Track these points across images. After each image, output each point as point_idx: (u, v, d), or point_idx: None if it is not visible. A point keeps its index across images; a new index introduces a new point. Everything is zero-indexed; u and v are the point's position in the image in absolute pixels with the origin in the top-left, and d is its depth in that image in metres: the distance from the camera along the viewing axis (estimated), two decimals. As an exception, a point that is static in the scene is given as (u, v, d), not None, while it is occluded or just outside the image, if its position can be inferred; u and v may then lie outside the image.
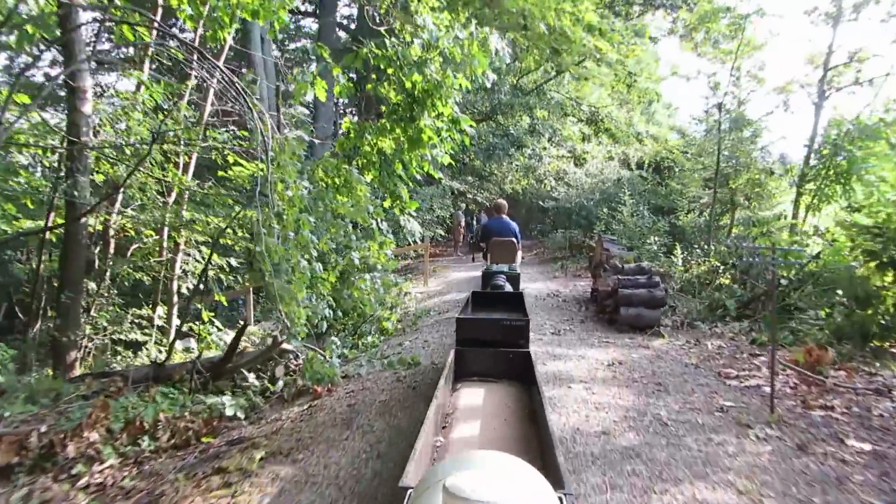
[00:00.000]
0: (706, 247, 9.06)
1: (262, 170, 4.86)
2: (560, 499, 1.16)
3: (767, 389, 3.83)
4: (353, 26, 18.26)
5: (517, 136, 14.37)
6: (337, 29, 17.21)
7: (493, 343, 3.45)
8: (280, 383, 4.32)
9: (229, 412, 3.39)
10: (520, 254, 6.77)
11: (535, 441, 2.42)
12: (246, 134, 6.38)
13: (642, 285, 5.91)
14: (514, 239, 6.65)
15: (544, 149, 15.31)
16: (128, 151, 5.88)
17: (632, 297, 5.80)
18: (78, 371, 5.45)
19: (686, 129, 16.51)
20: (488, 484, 0.90)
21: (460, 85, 6.28)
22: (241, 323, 7.80)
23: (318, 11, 17.35)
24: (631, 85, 17.26)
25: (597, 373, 4.11)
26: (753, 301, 6.43)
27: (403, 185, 6.71)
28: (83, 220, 5.34)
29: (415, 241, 6.69)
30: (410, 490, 1.26)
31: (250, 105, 4.95)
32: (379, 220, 6.12)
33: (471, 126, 6.47)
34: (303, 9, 19.67)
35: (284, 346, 4.75)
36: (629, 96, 18.03)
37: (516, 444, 2.42)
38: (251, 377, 4.42)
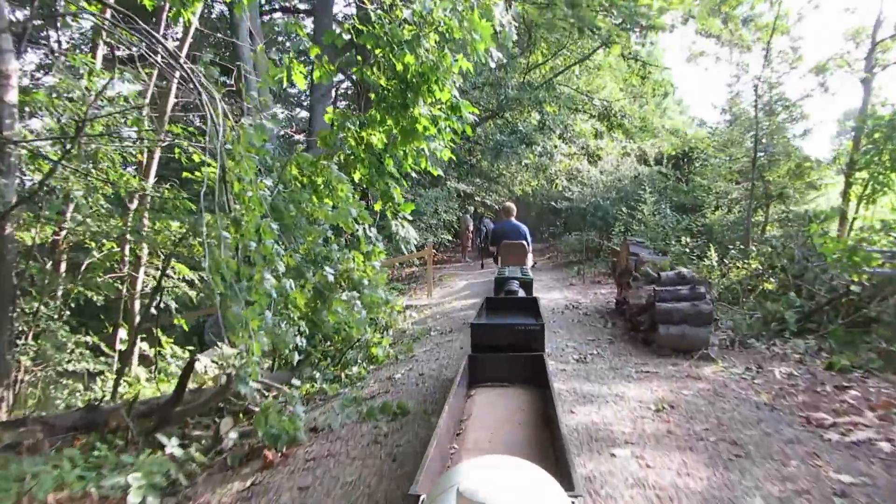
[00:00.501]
0: (742, 247, 7.96)
1: (210, 165, 3.88)
2: (571, 502, 1.18)
3: (885, 447, 2.77)
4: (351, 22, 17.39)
5: (526, 132, 13.35)
6: (335, 28, 16.29)
7: (507, 348, 3.43)
8: (230, 438, 3.32)
9: (133, 500, 2.39)
10: (530, 256, 6.72)
11: (549, 444, 2.40)
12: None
13: (684, 297, 4.84)
14: (524, 242, 6.63)
15: (555, 146, 14.25)
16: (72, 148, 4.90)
17: (672, 313, 4.73)
18: (3, 415, 4.48)
19: (708, 120, 15.37)
20: (501, 488, 0.97)
21: (461, 67, 5.28)
22: (218, 347, 6.84)
23: (314, 10, 16.46)
24: (645, 77, 16.20)
25: (644, 424, 3.05)
26: (817, 312, 5.33)
27: (395, 185, 5.72)
28: (6, 230, 4.38)
29: (410, 250, 5.64)
30: (423, 497, 1.37)
31: (199, 86, 3.98)
32: (367, 226, 5.11)
33: (473, 113, 5.44)
34: (301, 7, 18.83)
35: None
36: (643, 89, 16.95)
37: (530, 448, 2.40)
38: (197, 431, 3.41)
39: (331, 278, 4.01)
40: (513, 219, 6.97)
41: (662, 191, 12.25)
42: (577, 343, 5.25)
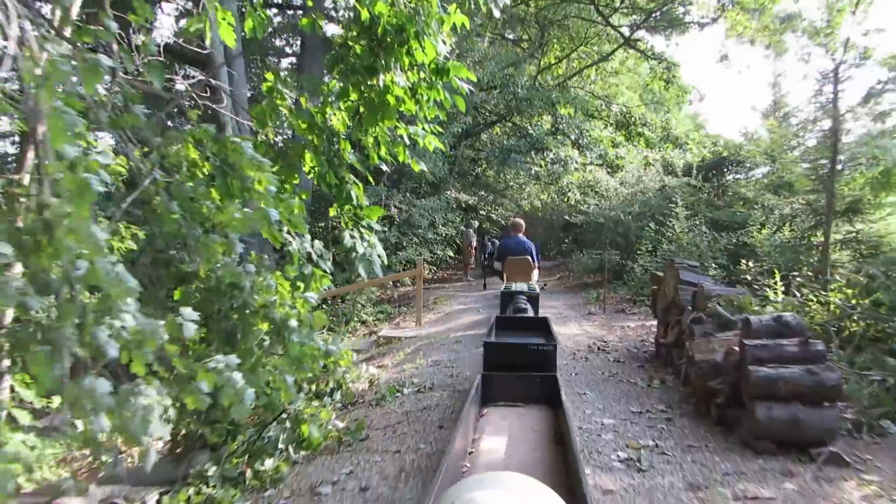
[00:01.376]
0: (816, 276, 6.16)
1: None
2: None
3: None
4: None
5: (537, 137, 11.70)
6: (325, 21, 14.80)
7: (519, 367, 3.40)
8: None
9: None
10: (536, 273, 6.67)
11: (562, 464, 2.35)
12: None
13: (793, 358, 3.04)
14: (529, 257, 6.54)
15: (569, 155, 12.55)
16: None
17: (777, 384, 2.94)
18: None
19: (746, 126, 13.65)
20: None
21: (453, 23, 3.64)
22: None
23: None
24: (669, 81, 14.51)
25: None
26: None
27: (355, 181, 4.04)
28: None
29: (375, 274, 3.86)
30: None
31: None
32: (304, 238, 3.41)
33: (467, 80, 3.72)
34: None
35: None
36: (665, 95, 15.24)
37: (542, 467, 2.34)
38: None
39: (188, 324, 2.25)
40: (520, 235, 6.85)
41: (693, 205, 10.48)
42: (617, 419, 3.44)
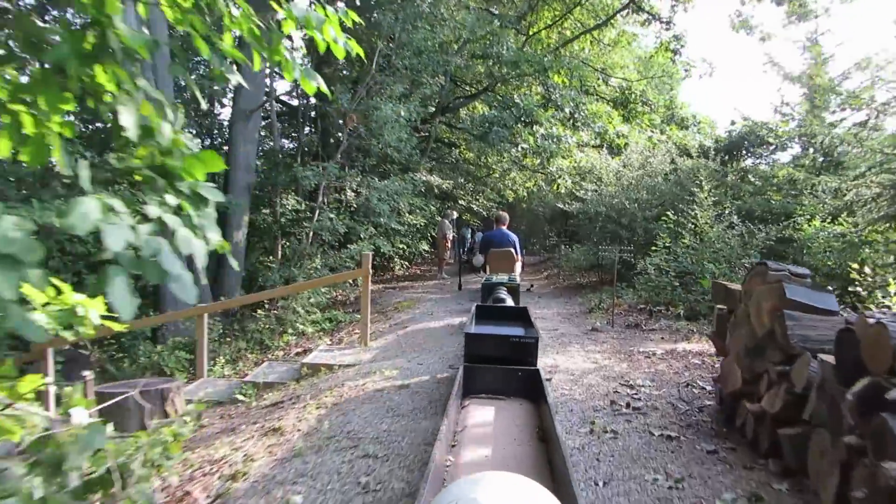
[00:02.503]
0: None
1: None
2: None
3: None
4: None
5: (525, 107, 9.54)
6: None
7: (501, 360, 3.34)
8: None
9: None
10: (519, 265, 6.54)
11: (545, 460, 2.33)
12: None
13: None
14: (512, 250, 6.48)
15: (562, 129, 10.33)
16: None
17: None
18: None
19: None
20: None
21: None
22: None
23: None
24: (677, 51, 12.40)
25: None
26: None
27: (162, 103, 1.80)
28: None
29: (183, 301, 1.71)
30: None
31: None
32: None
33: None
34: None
35: None
36: (672, 69, 13.12)
37: (527, 463, 2.30)
38: None
39: None
40: (504, 227, 6.81)
41: (714, 190, 8.41)
42: None
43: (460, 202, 17.92)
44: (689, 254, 7.06)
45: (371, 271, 5.87)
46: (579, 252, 13.28)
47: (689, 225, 7.46)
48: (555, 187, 13.92)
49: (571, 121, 10.63)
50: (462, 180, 17.37)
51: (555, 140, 9.39)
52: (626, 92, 12.76)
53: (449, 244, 12.75)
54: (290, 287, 6.20)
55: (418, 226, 11.89)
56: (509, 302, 5.50)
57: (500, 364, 3.33)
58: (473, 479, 1.14)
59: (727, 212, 7.47)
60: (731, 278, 6.52)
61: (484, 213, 21.12)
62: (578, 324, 6.42)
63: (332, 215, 8.00)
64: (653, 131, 12.03)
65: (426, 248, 16.05)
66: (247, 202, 9.87)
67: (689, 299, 6.54)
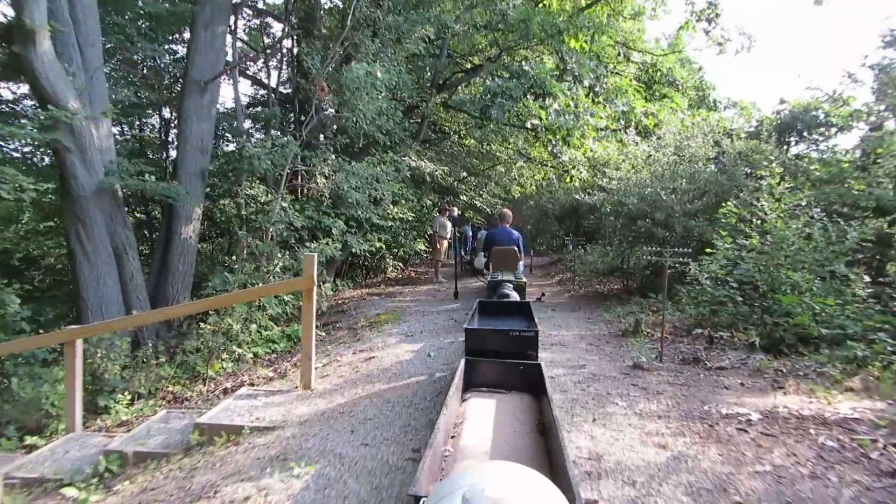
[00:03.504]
0: None
1: None
2: None
3: None
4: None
5: (537, 77, 7.62)
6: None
7: (502, 354, 3.29)
8: None
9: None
10: (522, 262, 6.36)
11: (544, 452, 2.28)
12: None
13: None
14: (515, 247, 6.23)
15: (579, 100, 8.34)
16: None
17: None
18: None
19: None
20: (508, 497, 0.91)
21: None
22: None
23: None
24: (712, 20, 10.49)
25: None
26: None
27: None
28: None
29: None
30: (423, 498, 1.32)
31: None
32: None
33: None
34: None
35: None
36: (708, 41, 11.15)
37: (526, 454, 2.27)
38: None
39: None
40: (507, 226, 6.50)
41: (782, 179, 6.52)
42: None
43: (462, 197, 16.11)
44: (755, 259, 5.18)
45: (329, 281, 4.05)
46: (597, 254, 11.44)
47: (753, 221, 5.58)
48: (567, 180, 12.06)
49: (591, 95, 8.74)
50: (465, 174, 15.57)
51: (572, 115, 7.48)
52: (651, 70, 10.85)
53: (446, 243, 10.91)
54: (205, 302, 4.38)
55: (409, 221, 10.07)
56: (514, 298, 5.34)
57: (501, 358, 3.21)
58: (478, 467, 1.13)
59: (804, 203, 5.59)
60: (819, 295, 4.65)
61: (488, 209, 19.28)
62: (613, 355, 4.56)
63: (284, 204, 6.18)
64: (684, 114, 10.11)
65: (423, 247, 14.27)
66: (200, 190, 8.04)
67: (762, 321, 4.67)
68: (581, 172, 11.68)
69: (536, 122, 7.48)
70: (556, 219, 19.10)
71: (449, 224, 10.91)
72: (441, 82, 9.77)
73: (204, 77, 8.29)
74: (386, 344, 5.11)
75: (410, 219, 9.87)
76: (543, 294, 8.30)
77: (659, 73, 11.23)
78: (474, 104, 7.71)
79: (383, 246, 9.05)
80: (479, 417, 2.67)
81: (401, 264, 13.62)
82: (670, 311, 5.81)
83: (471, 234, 19.32)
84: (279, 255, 6.67)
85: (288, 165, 6.81)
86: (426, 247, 13.57)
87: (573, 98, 8.24)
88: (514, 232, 6.49)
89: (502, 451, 2.29)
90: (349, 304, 8.29)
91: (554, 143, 11.97)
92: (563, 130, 7.38)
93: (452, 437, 2.45)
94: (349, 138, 6.47)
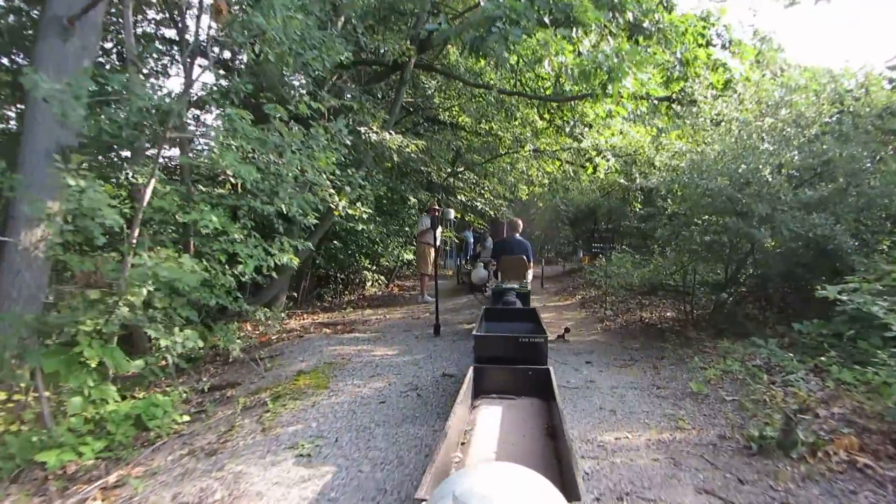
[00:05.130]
0: None
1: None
2: None
3: None
4: None
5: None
6: None
7: (510, 360, 3.21)
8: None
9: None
10: (530, 272, 6.17)
11: (553, 455, 2.24)
12: None
13: None
14: (524, 257, 6.06)
15: (620, 48, 5.46)
16: None
17: None
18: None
19: None
20: (497, 494, 0.95)
21: None
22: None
23: None
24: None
25: None
26: None
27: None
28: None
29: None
30: (424, 502, 1.37)
31: None
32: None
33: None
34: None
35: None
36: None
37: (535, 458, 2.21)
38: None
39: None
40: (517, 235, 6.32)
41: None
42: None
43: (460, 197, 13.33)
44: None
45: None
46: (629, 264, 8.53)
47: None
48: (589, 170, 9.24)
49: (634, 38, 5.91)
50: (462, 168, 12.82)
51: (616, 55, 4.66)
52: (704, 24, 7.98)
53: (433, 252, 8.11)
54: None
55: (387, 225, 7.32)
56: (518, 305, 5.09)
57: (510, 364, 3.13)
58: (473, 469, 1.16)
59: None
60: None
61: (491, 212, 16.42)
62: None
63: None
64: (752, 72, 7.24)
65: (412, 256, 11.54)
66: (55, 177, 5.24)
67: None
68: (608, 160, 8.87)
69: (564, 58, 4.65)
70: (569, 223, 16.27)
71: (439, 229, 8.12)
72: (424, 37, 6.98)
73: (67, 12, 5.49)
74: (248, 485, 2.28)
75: (377, 223, 7.08)
76: (567, 330, 5.46)
77: (710, 30, 8.38)
78: (461, 38, 4.91)
79: (360, 258, 6.32)
80: (489, 423, 2.61)
81: (383, 278, 10.84)
82: (778, 356, 2.99)
83: (472, 240, 16.45)
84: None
85: (162, 129, 4.01)
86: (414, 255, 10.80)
87: (610, 31, 5.43)
88: (525, 241, 6.34)
89: (511, 456, 2.25)
90: (292, 341, 5.51)
91: (573, 121, 9.13)
92: (601, 73, 4.58)
93: (462, 443, 2.38)
94: (246, 80, 3.68)
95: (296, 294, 8.17)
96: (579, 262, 17.88)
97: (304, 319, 7.00)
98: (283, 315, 6.41)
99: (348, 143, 4.26)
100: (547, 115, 9.24)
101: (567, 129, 8.60)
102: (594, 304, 7.66)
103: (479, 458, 2.25)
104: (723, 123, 5.48)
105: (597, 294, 8.41)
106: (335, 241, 8.47)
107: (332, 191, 4.68)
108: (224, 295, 3.94)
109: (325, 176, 4.33)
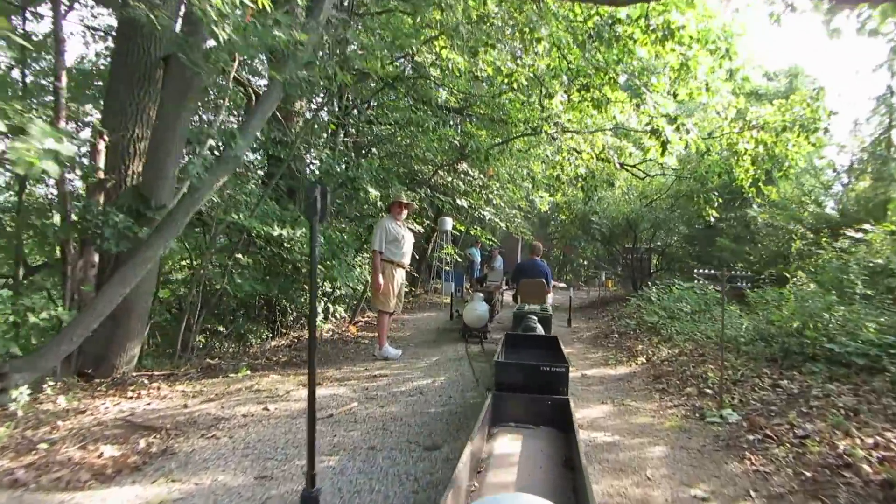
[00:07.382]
0: None
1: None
2: None
3: None
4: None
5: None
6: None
7: (531, 388, 3.09)
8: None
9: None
10: (551, 296, 6.32)
11: (571, 488, 2.20)
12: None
13: None
14: (543, 280, 6.11)
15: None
16: None
17: None
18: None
19: None
20: None
21: None
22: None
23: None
24: None
25: None
26: None
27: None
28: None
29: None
30: None
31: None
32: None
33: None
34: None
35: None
36: None
37: (552, 490, 2.19)
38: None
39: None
40: (537, 258, 6.36)
41: None
42: None
43: (460, 201, 9.92)
44: None
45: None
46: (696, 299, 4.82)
47: None
48: (658, 152, 5.74)
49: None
50: (465, 166, 9.49)
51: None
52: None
53: (399, 275, 4.66)
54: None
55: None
56: (539, 331, 5.11)
57: (530, 393, 3.04)
58: (486, 500, 1.13)
59: None
60: None
61: (503, 224, 12.86)
62: None
63: None
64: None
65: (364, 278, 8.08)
66: None
67: None
68: (689, 132, 5.46)
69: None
70: (601, 238, 12.62)
71: (407, 238, 4.73)
72: None
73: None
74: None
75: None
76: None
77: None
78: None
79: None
80: (506, 453, 2.57)
81: (342, 313, 7.34)
82: None
83: (478, 259, 12.88)
84: None
85: None
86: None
87: None
88: (544, 264, 6.29)
89: (527, 487, 2.23)
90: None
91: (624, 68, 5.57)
92: None
93: (479, 472, 2.34)
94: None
95: (176, 343, 4.73)
96: (602, 285, 14.26)
97: (137, 398, 3.54)
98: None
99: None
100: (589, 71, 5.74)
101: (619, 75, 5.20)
102: (695, 382, 4.01)
103: (496, 488, 2.23)
104: None
105: (679, 354, 4.80)
106: (244, 257, 5.05)
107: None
108: None
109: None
